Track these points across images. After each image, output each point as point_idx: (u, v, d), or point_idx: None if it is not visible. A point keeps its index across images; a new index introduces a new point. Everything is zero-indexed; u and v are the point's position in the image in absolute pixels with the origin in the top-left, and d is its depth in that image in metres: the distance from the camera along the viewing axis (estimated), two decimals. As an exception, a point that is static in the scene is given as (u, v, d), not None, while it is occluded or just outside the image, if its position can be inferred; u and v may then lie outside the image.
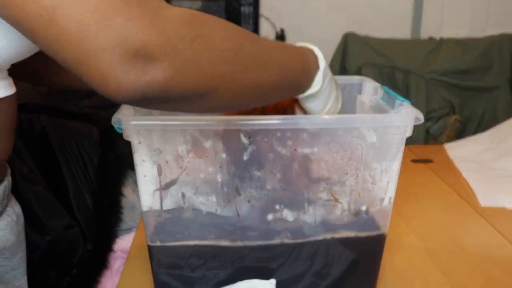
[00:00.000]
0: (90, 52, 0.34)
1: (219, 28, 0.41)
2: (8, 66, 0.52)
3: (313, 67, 0.57)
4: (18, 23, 0.35)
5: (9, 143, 0.59)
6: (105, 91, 0.36)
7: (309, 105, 0.63)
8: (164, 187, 0.65)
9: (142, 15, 0.35)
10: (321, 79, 0.58)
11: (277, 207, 0.66)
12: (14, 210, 0.63)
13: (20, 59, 0.50)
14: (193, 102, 0.43)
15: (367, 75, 1.55)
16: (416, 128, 0.63)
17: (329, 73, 0.61)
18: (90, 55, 0.34)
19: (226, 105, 0.48)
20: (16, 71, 0.54)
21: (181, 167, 0.63)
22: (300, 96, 0.61)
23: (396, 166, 0.65)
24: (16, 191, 0.64)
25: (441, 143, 1.52)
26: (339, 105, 0.68)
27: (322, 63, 0.58)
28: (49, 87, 1.09)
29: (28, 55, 0.50)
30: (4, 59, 0.48)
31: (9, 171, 0.62)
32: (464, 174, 1.21)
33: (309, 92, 0.59)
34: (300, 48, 0.57)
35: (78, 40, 0.34)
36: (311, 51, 0.58)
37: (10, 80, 0.55)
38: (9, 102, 0.55)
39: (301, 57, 0.55)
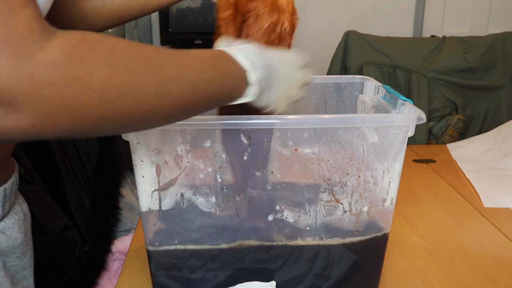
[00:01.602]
0: None
1: (103, 65, 0.37)
2: None
3: (236, 71, 0.50)
4: None
5: None
6: None
7: (256, 104, 0.55)
8: (163, 188, 0.64)
9: (7, 58, 0.32)
10: (256, 84, 0.50)
11: (278, 207, 0.65)
12: (22, 208, 0.62)
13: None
14: (75, 137, 0.40)
15: (368, 74, 1.54)
16: (418, 127, 0.62)
17: (265, 66, 0.52)
18: None
19: (115, 132, 0.44)
20: None
21: (180, 168, 0.63)
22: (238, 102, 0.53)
23: (398, 166, 0.64)
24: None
25: (444, 143, 1.51)
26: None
27: (248, 65, 0.50)
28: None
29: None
30: None
31: (16, 167, 0.61)
32: (467, 174, 1.21)
33: (243, 100, 0.52)
34: (214, 54, 0.49)
35: None
36: (228, 56, 0.50)
37: None
38: None
39: (217, 66, 0.48)
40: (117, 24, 0.71)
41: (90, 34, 0.38)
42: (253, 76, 0.50)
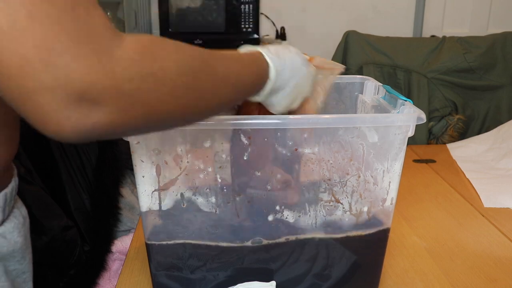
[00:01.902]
0: (31, 90, 0.32)
1: (172, 62, 0.39)
2: None
3: (265, 71, 0.55)
4: None
5: (13, 144, 0.58)
6: (44, 131, 0.35)
7: (271, 102, 0.59)
8: (163, 188, 0.64)
9: (90, 56, 0.33)
10: (273, 77, 0.55)
11: (278, 207, 0.65)
12: (21, 212, 0.62)
13: None
14: (143, 132, 0.43)
15: (368, 74, 1.54)
16: (418, 127, 0.62)
17: (291, 71, 0.58)
18: (30, 93, 0.32)
19: (177, 126, 0.48)
20: None
21: (180, 168, 0.63)
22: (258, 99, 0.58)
23: (398, 166, 0.64)
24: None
25: (444, 143, 1.51)
26: (319, 99, 0.66)
27: (272, 63, 0.55)
28: None
29: None
30: None
31: (15, 171, 0.61)
32: (467, 174, 1.21)
33: (263, 92, 0.56)
34: (251, 54, 0.54)
35: (19, 77, 0.32)
36: (261, 55, 0.55)
37: None
38: None
39: (254, 65, 0.54)
40: None
41: (154, 36, 0.40)
42: (272, 78, 0.55)
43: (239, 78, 0.49)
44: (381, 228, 0.68)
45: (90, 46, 0.34)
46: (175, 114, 0.41)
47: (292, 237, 0.67)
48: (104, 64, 0.34)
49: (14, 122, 0.56)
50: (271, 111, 0.61)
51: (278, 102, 0.59)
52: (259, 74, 0.54)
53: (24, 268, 0.62)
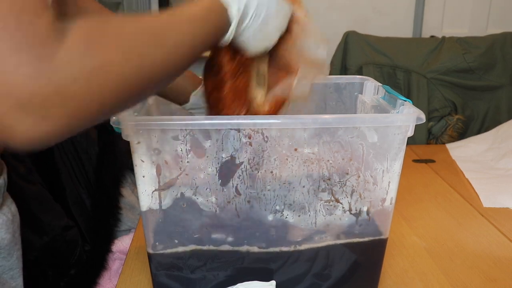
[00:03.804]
0: None
1: (117, 49, 0.39)
2: None
3: (224, 17, 0.53)
4: None
5: None
6: (2, 142, 0.35)
7: (242, 42, 0.58)
8: (163, 188, 0.64)
9: (29, 64, 0.33)
10: (234, 18, 0.54)
11: (278, 207, 0.65)
12: (10, 209, 0.62)
13: None
14: (96, 123, 0.42)
15: (368, 74, 1.54)
16: (417, 127, 0.63)
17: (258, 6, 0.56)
18: None
19: (134, 105, 0.48)
20: None
21: (180, 168, 0.63)
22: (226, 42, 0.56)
23: (397, 166, 0.64)
24: (13, 191, 0.63)
25: (443, 143, 1.52)
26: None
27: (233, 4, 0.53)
28: None
29: None
30: None
31: (5, 169, 0.61)
32: (466, 174, 1.21)
33: (227, 37, 0.55)
34: (206, 9, 0.52)
35: None
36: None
37: None
38: None
39: (210, 14, 0.52)
40: None
41: (97, 21, 0.39)
42: (234, 15, 0.54)
43: (193, 38, 0.48)
44: (380, 237, 0.68)
45: (31, 53, 0.33)
46: (131, 99, 0.42)
47: (292, 237, 0.67)
48: (44, 71, 0.34)
49: None
50: (247, 52, 0.59)
51: (249, 41, 0.57)
52: (217, 22, 0.53)
53: (11, 265, 0.62)
